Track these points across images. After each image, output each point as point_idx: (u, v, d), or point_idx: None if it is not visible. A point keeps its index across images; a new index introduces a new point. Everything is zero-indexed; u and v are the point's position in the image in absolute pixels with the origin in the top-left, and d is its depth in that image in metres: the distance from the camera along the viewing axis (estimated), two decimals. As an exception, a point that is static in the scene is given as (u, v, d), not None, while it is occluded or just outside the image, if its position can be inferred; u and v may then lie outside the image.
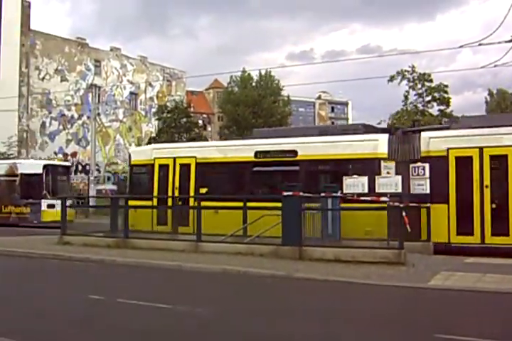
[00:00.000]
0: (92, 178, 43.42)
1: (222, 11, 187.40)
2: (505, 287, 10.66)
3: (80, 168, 66.25)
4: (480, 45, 20.13)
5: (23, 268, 14.00)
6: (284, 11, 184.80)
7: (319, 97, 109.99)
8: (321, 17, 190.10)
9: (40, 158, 61.29)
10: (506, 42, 20.11)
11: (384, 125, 47.06)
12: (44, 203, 29.63)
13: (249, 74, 63.96)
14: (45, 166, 31.27)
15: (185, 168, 20.30)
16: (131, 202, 19.65)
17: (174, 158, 20.69)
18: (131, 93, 73.80)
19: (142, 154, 22.13)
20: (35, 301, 9.53)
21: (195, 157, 20.21)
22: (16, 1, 60.41)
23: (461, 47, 21.92)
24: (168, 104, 62.12)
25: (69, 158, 65.25)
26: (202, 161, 20.00)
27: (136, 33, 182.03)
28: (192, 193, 19.85)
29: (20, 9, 60.83)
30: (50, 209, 28.41)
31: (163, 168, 20.83)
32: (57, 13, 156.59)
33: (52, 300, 9.61)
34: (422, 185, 17.59)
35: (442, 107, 46.84)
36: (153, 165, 20.97)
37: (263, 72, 64.25)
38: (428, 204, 17.02)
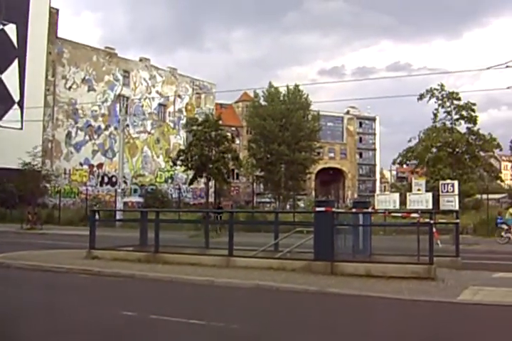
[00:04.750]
0: (119, 190, 43.35)
1: (256, 26, 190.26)
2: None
3: (106, 179, 66.53)
4: (507, 67, 20.25)
5: (51, 284, 13.68)
6: (317, 27, 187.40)
7: (348, 112, 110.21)
8: (352, 34, 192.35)
9: (65, 169, 61.85)
10: (533, 65, 20.18)
11: (414, 142, 47.29)
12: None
13: (276, 88, 64.29)
14: None
15: None
16: None
17: None
18: (160, 104, 74.15)
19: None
20: (65, 317, 9.36)
21: None
22: (43, 8, 60.36)
23: (488, 68, 21.98)
24: (197, 116, 62.35)
25: (95, 169, 65.61)
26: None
27: (169, 45, 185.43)
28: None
29: (48, 16, 60.88)
30: None
31: None
32: (88, 23, 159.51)
33: (84, 317, 9.41)
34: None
35: (470, 125, 46.78)
36: None
37: (291, 87, 64.54)
38: (457, 221, 17.09)
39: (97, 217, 33.88)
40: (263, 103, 65.37)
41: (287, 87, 64.38)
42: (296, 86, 64.51)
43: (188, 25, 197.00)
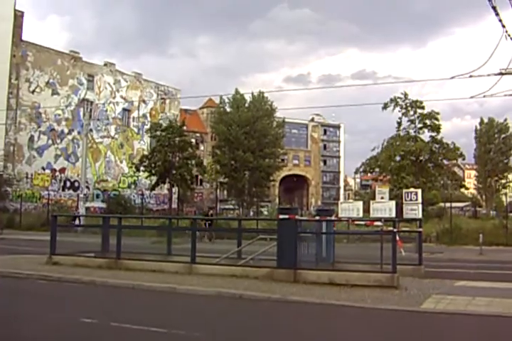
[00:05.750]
0: (81, 195, 42.81)
1: (222, 32, 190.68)
2: (494, 310, 10.81)
3: (68, 184, 65.65)
4: (470, 76, 20.42)
5: (9, 290, 13.40)
6: (283, 35, 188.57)
7: (312, 120, 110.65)
8: (318, 42, 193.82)
9: (27, 173, 60.89)
10: (495, 74, 20.37)
11: (377, 151, 47.77)
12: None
13: (241, 95, 64.30)
14: None
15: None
16: None
17: None
18: (124, 109, 73.50)
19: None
20: (22, 325, 9.11)
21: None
22: (8, 10, 59.38)
23: (452, 78, 22.18)
24: (161, 121, 61.99)
25: (57, 173, 64.70)
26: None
27: (135, 50, 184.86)
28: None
29: (13, 19, 59.89)
30: None
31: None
32: (55, 27, 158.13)
33: (41, 324, 9.22)
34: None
35: (433, 134, 47.38)
36: None
37: (256, 94, 64.64)
38: (420, 229, 17.22)
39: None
40: (228, 109, 65.31)
41: (252, 93, 64.52)
42: (262, 93, 64.65)
43: (155, 31, 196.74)
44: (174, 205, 60.18)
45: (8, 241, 31.09)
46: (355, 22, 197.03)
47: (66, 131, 66.22)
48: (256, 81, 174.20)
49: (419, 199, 17.93)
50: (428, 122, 47.09)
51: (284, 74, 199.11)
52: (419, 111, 47.00)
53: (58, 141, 65.51)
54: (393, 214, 17.12)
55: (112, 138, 72.38)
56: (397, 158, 47.35)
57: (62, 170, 65.79)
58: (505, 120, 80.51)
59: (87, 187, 53.40)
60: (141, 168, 54.71)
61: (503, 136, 79.41)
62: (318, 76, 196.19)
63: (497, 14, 14.77)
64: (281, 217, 14.78)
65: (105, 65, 72.81)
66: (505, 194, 64.98)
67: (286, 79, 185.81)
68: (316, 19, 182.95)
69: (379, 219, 16.18)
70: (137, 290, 13.20)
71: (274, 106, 65.79)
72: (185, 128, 57.04)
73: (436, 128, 47.37)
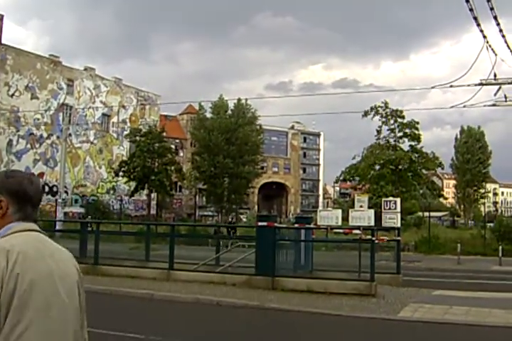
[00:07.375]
0: (59, 200, 42.51)
1: (204, 39, 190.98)
2: (472, 319, 10.89)
3: (46, 189, 65.06)
4: (451, 86, 20.49)
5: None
6: (266, 42, 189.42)
7: (292, 127, 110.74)
8: (300, 50, 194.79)
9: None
10: (475, 85, 20.47)
11: (358, 159, 47.88)
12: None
13: (224, 101, 64.12)
14: None
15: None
16: None
17: None
18: (104, 114, 73.04)
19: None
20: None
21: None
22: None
23: (433, 87, 22.34)
24: (141, 127, 61.69)
25: (36, 178, 63.95)
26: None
27: (116, 55, 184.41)
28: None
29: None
30: None
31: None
32: (36, 31, 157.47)
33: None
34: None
35: (413, 143, 47.53)
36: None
37: (241, 101, 64.47)
38: (399, 238, 17.26)
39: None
40: (209, 115, 65.18)
41: (238, 100, 64.37)
42: (245, 100, 64.59)
43: (136, 37, 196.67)
44: (153, 211, 59.88)
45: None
46: (338, 31, 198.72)
47: (45, 135, 65.64)
48: (237, 88, 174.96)
49: (398, 208, 17.90)
50: (408, 131, 47.21)
51: (265, 82, 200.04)
52: (399, 120, 47.12)
53: (37, 145, 64.91)
54: (372, 223, 17.11)
55: (91, 143, 71.90)
56: (377, 167, 47.38)
57: (41, 175, 65.03)
58: (479, 128, 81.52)
59: (66, 192, 53.03)
60: (120, 174, 54.44)
61: (479, 144, 79.91)
62: (299, 84, 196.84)
63: (478, 25, 14.86)
64: (259, 224, 14.78)
65: (85, 69, 72.36)
66: (484, 204, 65.51)
67: (268, 87, 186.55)
68: (298, 27, 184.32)
69: (358, 228, 16.19)
70: (115, 296, 13.11)
71: (257, 114, 65.80)
72: (164, 134, 56.87)
73: (416, 138, 47.50)
